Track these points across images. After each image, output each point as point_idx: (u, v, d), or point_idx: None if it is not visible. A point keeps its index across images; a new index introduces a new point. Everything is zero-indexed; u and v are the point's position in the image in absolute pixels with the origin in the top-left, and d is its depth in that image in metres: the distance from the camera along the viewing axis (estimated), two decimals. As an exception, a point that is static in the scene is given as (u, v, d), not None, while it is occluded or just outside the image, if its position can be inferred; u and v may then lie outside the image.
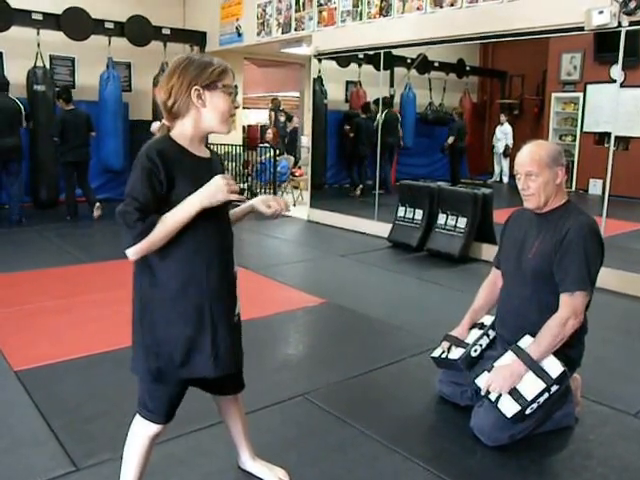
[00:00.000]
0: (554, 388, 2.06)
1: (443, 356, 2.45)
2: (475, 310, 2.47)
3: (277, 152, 7.89)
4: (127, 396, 2.34)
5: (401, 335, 3.27)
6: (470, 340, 2.40)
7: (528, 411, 2.06)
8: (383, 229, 5.83)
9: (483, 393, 2.12)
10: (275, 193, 7.65)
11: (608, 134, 5.57)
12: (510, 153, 9.42)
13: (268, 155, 7.94)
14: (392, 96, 8.42)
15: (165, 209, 1.46)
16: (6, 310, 3.55)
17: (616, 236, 5.04)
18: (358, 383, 2.68)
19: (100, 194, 7.85)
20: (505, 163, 9.75)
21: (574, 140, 9.04)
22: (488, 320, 2.44)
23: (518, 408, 2.05)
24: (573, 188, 8.91)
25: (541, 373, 2.06)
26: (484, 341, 2.38)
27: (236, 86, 1.57)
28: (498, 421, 2.12)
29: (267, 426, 2.28)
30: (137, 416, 1.64)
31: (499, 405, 2.08)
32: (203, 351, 1.53)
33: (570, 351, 2.18)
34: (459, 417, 2.34)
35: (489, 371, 2.16)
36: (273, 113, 10.40)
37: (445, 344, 2.45)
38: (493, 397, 2.10)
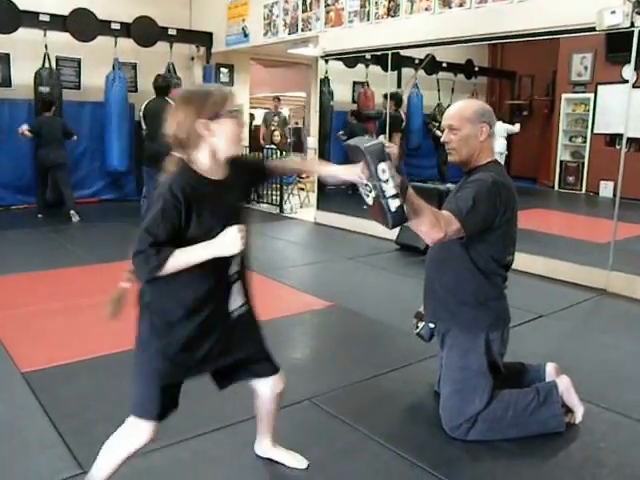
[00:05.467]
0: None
1: (415, 332, 2.48)
2: None
3: (284, 153, 7.86)
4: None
5: (409, 339, 3.21)
6: None
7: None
8: (391, 231, 5.77)
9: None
10: (282, 195, 7.63)
11: (619, 135, 5.52)
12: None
13: (275, 156, 7.91)
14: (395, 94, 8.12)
15: (181, 241, 1.51)
16: (12, 312, 3.54)
17: (628, 239, 4.98)
18: (365, 387, 2.65)
19: (103, 195, 7.89)
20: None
21: (585, 142, 8.95)
22: None
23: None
24: (583, 190, 8.84)
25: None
26: None
27: (239, 107, 1.62)
28: (452, 409, 2.20)
29: (273, 431, 2.26)
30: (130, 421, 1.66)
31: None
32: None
33: (465, 310, 2.20)
34: (468, 423, 2.30)
35: None
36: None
37: (415, 320, 2.49)
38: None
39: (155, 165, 5.81)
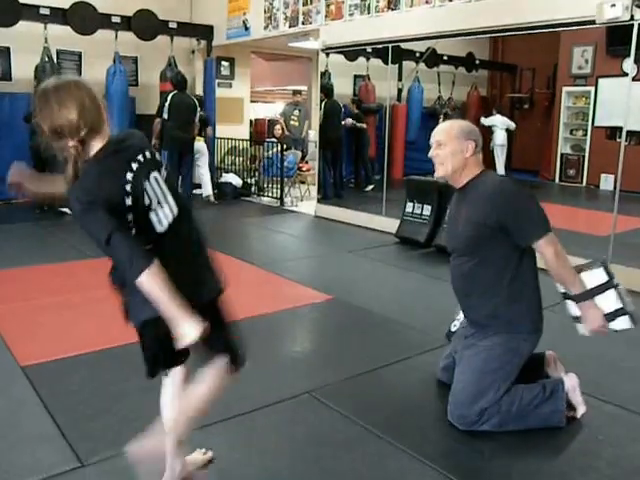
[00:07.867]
0: (613, 281, 2.23)
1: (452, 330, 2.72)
2: None
3: (284, 147, 7.85)
4: (131, 392, 2.35)
5: (408, 332, 3.24)
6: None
7: (628, 308, 2.21)
8: (391, 225, 5.79)
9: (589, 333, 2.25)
10: (282, 188, 7.63)
11: (620, 128, 5.50)
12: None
13: (275, 150, 7.90)
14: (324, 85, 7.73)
15: None
16: (13, 305, 3.55)
17: (628, 232, 4.97)
18: (364, 381, 2.66)
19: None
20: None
21: (585, 134, 8.95)
22: None
23: (626, 318, 2.22)
24: (584, 183, 8.84)
25: (598, 289, 2.20)
26: (460, 316, 2.58)
27: None
28: (466, 398, 2.20)
29: (272, 424, 2.27)
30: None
31: (614, 326, 2.22)
32: None
33: (507, 313, 2.28)
34: (466, 416, 2.31)
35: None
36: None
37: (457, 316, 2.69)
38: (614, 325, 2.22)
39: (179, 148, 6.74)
